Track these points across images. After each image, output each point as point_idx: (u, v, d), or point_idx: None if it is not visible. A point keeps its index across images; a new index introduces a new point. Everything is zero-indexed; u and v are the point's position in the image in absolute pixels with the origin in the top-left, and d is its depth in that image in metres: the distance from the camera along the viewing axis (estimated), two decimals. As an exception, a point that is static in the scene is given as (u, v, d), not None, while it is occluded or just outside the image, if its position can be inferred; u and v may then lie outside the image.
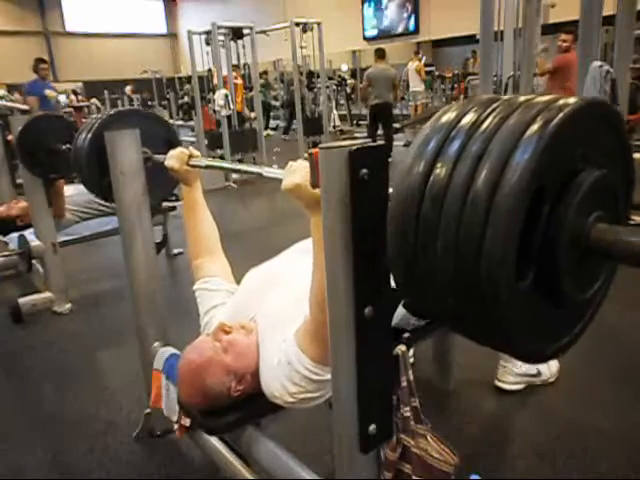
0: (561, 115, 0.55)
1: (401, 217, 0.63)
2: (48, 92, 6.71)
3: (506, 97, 0.64)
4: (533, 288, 0.60)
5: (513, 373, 1.93)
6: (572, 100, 0.58)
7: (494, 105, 0.61)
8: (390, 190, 0.71)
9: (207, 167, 1.50)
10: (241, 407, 1.29)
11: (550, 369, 1.98)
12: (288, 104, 8.36)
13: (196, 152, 1.58)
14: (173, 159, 1.54)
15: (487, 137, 0.57)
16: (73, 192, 3.43)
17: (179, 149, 1.58)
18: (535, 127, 0.54)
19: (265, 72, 14.12)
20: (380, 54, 7.66)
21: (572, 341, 0.69)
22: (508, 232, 0.54)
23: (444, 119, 0.64)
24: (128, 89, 14.84)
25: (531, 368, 1.94)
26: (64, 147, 2.85)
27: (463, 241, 0.56)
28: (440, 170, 0.59)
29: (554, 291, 0.61)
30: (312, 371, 1.16)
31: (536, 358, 0.66)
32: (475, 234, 0.55)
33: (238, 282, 1.57)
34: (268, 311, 1.35)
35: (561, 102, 0.57)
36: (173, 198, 3.52)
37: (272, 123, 13.32)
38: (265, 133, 11.53)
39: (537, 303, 0.62)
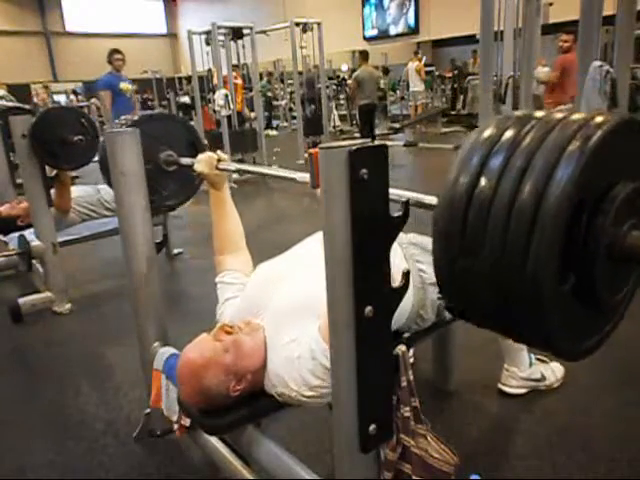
0: (599, 133, 0.59)
1: (447, 221, 0.68)
2: (123, 85, 6.25)
3: (541, 114, 0.68)
4: (571, 291, 0.65)
5: (517, 377, 1.92)
6: (608, 117, 0.62)
7: (532, 122, 0.66)
8: (435, 199, 0.76)
9: (237, 171, 1.52)
10: (241, 407, 1.29)
11: (555, 374, 1.97)
12: (311, 101, 8.47)
13: (224, 156, 1.61)
14: (202, 163, 1.58)
15: (530, 152, 0.62)
16: (79, 193, 3.44)
17: (207, 153, 1.61)
18: (576, 144, 0.59)
19: (270, 73, 14.16)
20: (365, 56, 7.93)
21: (603, 339, 0.73)
22: (552, 239, 0.59)
23: (485, 135, 0.68)
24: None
25: (535, 372, 1.94)
26: (76, 138, 2.87)
27: (510, 246, 0.61)
28: (486, 181, 0.64)
29: (590, 294, 0.66)
30: None
31: (571, 355, 0.71)
32: (521, 240, 0.60)
33: None
34: (278, 307, 1.35)
35: (598, 119, 0.61)
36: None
37: (272, 123, 13.33)
38: (266, 133, 11.56)
39: (574, 304, 0.67)
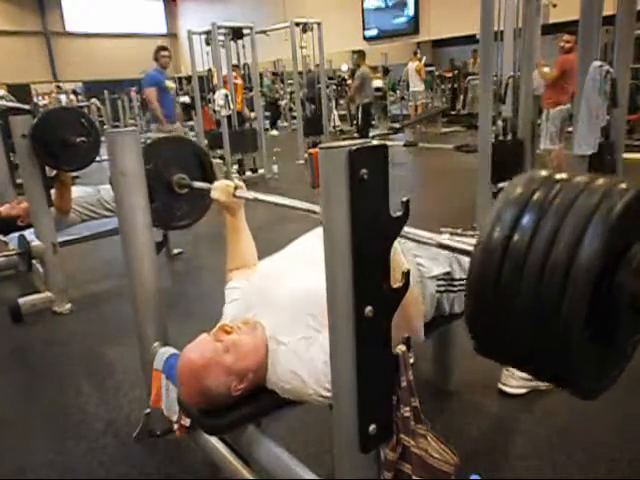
0: (621, 203, 0.69)
1: (483, 268, 0.76)
2: (168, 83, 6.12)
3: (564, 176, 0.77)
4: (596, 337, 0.73)
5: (517, 377, 1.92)
6: (628, 187, 0.71)
7: (558, 185, 0.75)
8: (471, 246, 0.83)
9: (255, 200, 1.54)
10: (241, 407, 1.29)
11: None
12: (311, 101, 8.50)
13: (241, 183, 1.64)
14: (219, 191, 1.60)
15: (561, 215, 0.71)
16: (79, 194, 3.44)
17: (224, 181, 1.63)
18: (602, 212, 0.68)
19: (274, 73, 14.14)
20: (363, 56, 7.99)
21: (619, 374, 0.83)
22: (583, 293, 0.68)
23: (516, 193, 0.77)
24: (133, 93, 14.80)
25: None
26: (78, 140, 2.87)
27: (544, 297, 0.70)
28: (519, 237, 0.73)
29: (612, 339, 0.76)
30: None
31: (591, 394, 0.80)
32: (555, 292, 0.69)
33: None
34: (279, 303, 1.36)
35: (620, 188, 0.71)
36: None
37: (277, 123, 13.30)
38: (269, 133, 11.57)
39: (597, 348, 0.75)
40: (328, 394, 1.18)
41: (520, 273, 0.72)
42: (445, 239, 0.98)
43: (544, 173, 0.79)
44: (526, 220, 0.73)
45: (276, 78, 14.13)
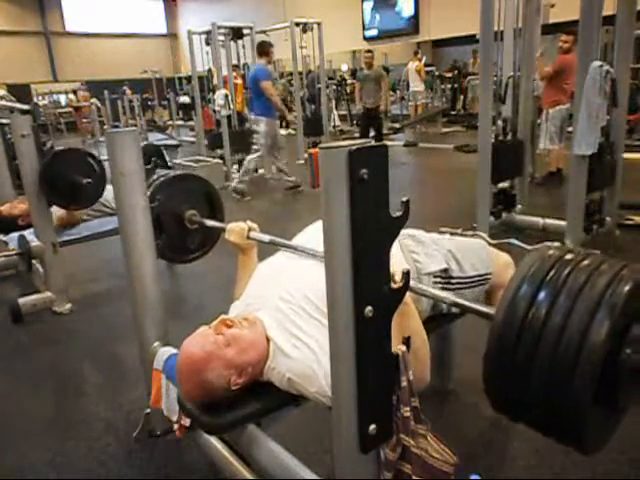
0: (622, 297, 0.79)
1: (501, 345, 0.86)
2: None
3: (573, 257, 0.87)
4: (601, 403, 0.83)
5: None
6: (629, 274, 0.82)
7: (570, 266, 0.85)
8: (492, 311, 0.93)
9: (269, 242, 1.56)
10: (241, 406, 1.29)
11: None
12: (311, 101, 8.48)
13: (254, 225, 1.68)
14: (234, 234, 1.66)
15: (574, 294, 0.81)
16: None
17: (238, 224, 1.68)
18: (607, 302, 0.79)
19: (290, 73, 14.05)
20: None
21: (615, 430, 0.96)
22: (593, 369, 0.78)
23: (532, 270, 0.87)
24: (127, 90, 14.81)
25: None
26: (85, 181, 2.91)
27: (558, 367, 0.79)
28: (537, 310, 0.83)
29: (615, 404, 0.86)
30: None
31: (595, 450, 0.90)
32: (568, 363, 0.78)
33: None
34: (280, 299, 1.36)
35: (624, 274, 0.82)
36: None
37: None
38: (286, 132, 11.52)
39: (602, 412, 0.86)
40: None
41: (537, 344, 0.82)
42: (462, 300, 1.11)
43: (556, 252, 0.90)
44: (543, 295, 0.84)
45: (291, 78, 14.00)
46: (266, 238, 1.59)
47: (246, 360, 1.26)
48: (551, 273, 0.86)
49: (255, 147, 6.22)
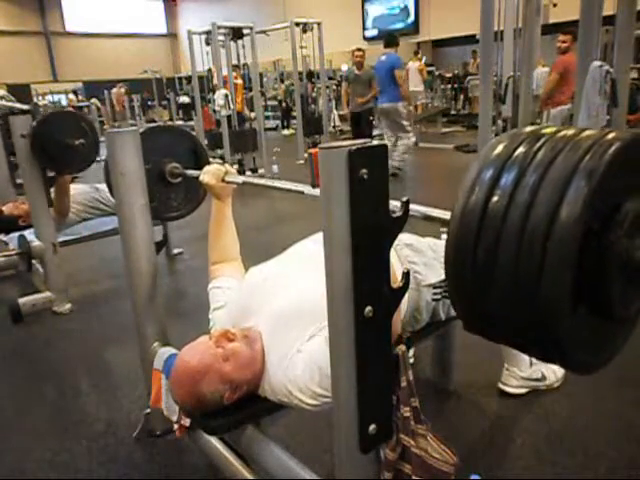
0: (604, 162, 0.60)
1: (458, 248, 0.70)
2: None
3: (552, 130, 0.69)
4: (586, 310, 0.66)
5: (518, 377, 1.92)
6: (614, 138, 0.63)
7: (544, 139, 0.67)
8: (448, 216, 0.77)
9: (244, 184, 1.52)
10: (242, 407, 1.29)
11: (555, 374, 1.97)
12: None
13: (231, 168, 1.61)
14: (209, 175, 1.57)
15: (542, 171, 0.63)
16: (77, 192, 3.44)
17: (215, 165, 1.60)
18: (582, 174, 0.60)
19: (300, 72, 13.93)
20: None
21: (618, 349, 0.77)
22: (565, 261, 0.61)
23: (497, 150, 0.69)
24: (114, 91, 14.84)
25: (536, 372, 1.93)
26: (77, 142, 2.87)
27: (522, 270, 0.63)
28: (496, 204, 0.66)
29: (605, 310, 0.68)
30: None
31: (587, 369, 0.73)
32: (534, 262, 0.61)
33: None
34: (274, 312, 1.34)
35: (609, 137, 0.63)
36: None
37: (272, 123, 13.28)
38: (289, 132, 11.46)
39: (590, 321, 0.68)
40: (314, 401, 1.19)
41: (497, 241, 0.64)
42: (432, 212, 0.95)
43: (531, 128, 0.72)
44: (505, 180, 0.65)
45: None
46: (240, 179, 1.54)
47: (242, 377, 1.25)
48: (519, 150, 0.67)
49: (404, 129, 6.43)
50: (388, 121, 6.34)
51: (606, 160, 0.60)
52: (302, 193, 1.23)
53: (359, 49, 6.95)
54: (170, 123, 5.98)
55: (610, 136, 0.63)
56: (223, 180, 1.56)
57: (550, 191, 0.61)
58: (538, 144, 0.66)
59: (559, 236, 0.59)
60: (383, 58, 6.17)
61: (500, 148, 0.69)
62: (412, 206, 0.90)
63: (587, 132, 0.65)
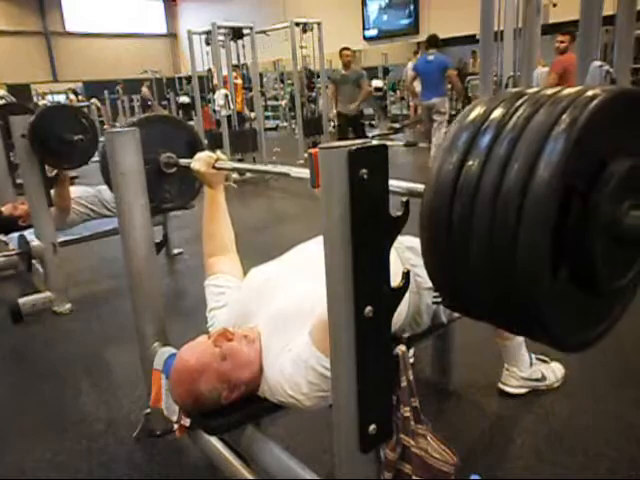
0: (586, 112, 0.55)
1: (434, 215, 0.64)
2: None
3: (534, 90, 0.64)
4: (569, 279, 0.61)
5: (518, 377, 1.92)
6: (598, 92, 0.58)
7: (523, 99, 0.62)
8: (422, 186, 0.73)
9: (233, 169, 1.51)
10: (241, 407, 1.29)
11: (555, 374, 1.97)
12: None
13: (222, 155, 1.60)
14: (199, 162, 1.57)
15: (514, 137, 0.58)
16: (79, 193, 3.44)
17: (206, 152, 1.60)
18: (561, 126, 0.55)
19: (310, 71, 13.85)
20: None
21: (609, 327, 0.70)
22: (541, 230, 0.55)
23: (474, 114, 0.65)
24: (145, 90, 14.84)
25: (536, 372, 1.93)
26: (76, 138, 2.87)
27: (497, 238, 0.58)
28: (470, 168, 0.60)
29: (590, 281, 0.62)
30: (328, 368, 1.16)
31: (575, 346, 0.68)
32: (508, 231, 0.56)
33: None
34: (272, 314, 1.34)
35: (588, 95, 0.57)
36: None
37: (272, 123, 13.28)
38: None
39: (573, 293, 0.63)
40: (302, 397, 1.19)
41: (472, 208, 0.59)
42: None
43: (515, 89, 0.67)
44: (480, 144, 0.61)
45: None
46: (230, 165, 1.54)
47: (240, 377, 1.25)
48: (497, 111, 0.62)
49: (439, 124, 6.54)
50: (431, 114, 6.45)
51: (589, 110, 0.55)
52: (288, 175, 1.22)
53: (346, 48, 6.84)
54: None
55: (595, 90, 0.59)
56: (214, 167, 1.56)
57: (527, 147, 0.56)
58: (517, 103, 0.62)
59: (536, 193, 0.54)
60: (431, 58, 6.32)
61: (478, 110, 0.65)
62: (392, 182, 0.87)
63: (571, 89, 0.61)
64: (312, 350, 1.17)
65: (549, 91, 0.62)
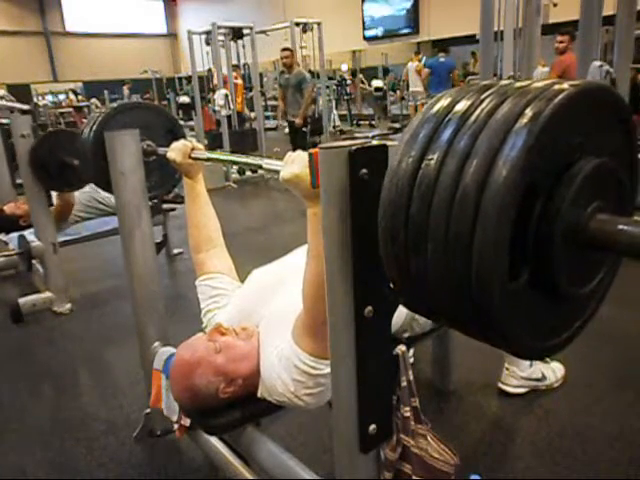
0: (551, 106, 0.53)
1: (391, 207, 0.62)
2: None
3: (505, 82, 0.62)
4: (528, 285, 0.59)
5: (517, 377, 1.92)
6: (565, 87, 0.55)
7: (488, 92, 0.59)
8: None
9: (208, 160, 1.49)
10: (241, 407, 1.29)
11: (555, 374, 1.97)
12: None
13: (199, 145, 1.56)
14: (175, 151, 1.52)
15: (476, 130, 0.55)
16: (76, 193, 3.43)
17: (182, 141, 1.56)
18: (524, 120, 0.52)
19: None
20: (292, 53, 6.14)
21: (573, 336, 0.67)
22: (498, 230, 0.52)
23: (438, 106, 0.62)
24: (126, 90, 14.88)
25: (536, 372, 1.93)
26: (76, 162, 2.88)
27: (452, 241, 0.55)
28: (428, 167, 0.57)
29: (551, 287, 0.60)
30: (310, 365, 1.16)
31: (533, 354, 0.66)
32: (464, 233, 0.54)
33: (241, 282, 1.57)
34: (271, 316, 1.35)
35: (554, 89, 0.55)
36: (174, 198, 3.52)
37: (272, 123, 13.28)
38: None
39: (533, 300, 0.61)
40: (291, 395, 1.19)
41: (430, 203, 0.56)
42: None
43: (487, 81, 0.64)
44: (439, 140, 0.57)
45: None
46: (205, 155, 1.50)
47: (235, 369, 1.25)
48: (462, 103, 0.59)
49: None
50: None
51: (554, 104, 0.52)
52: (260, 167, 1.19)
53: (286, 49, 6.17)
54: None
55: (563, 84, 0.56)
56: (190, 157, 1.53)
57: (487, 141, 0.53)
58: (483, 95, 0.59)
59: (494, 190, 0.51)
60: (443, 60, 8.14)
61: (442, 102, 0.62)
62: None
63: (540, 82, 0.58)
64: (293, 348, 1.18)
65: (518, 84, 0.59)
